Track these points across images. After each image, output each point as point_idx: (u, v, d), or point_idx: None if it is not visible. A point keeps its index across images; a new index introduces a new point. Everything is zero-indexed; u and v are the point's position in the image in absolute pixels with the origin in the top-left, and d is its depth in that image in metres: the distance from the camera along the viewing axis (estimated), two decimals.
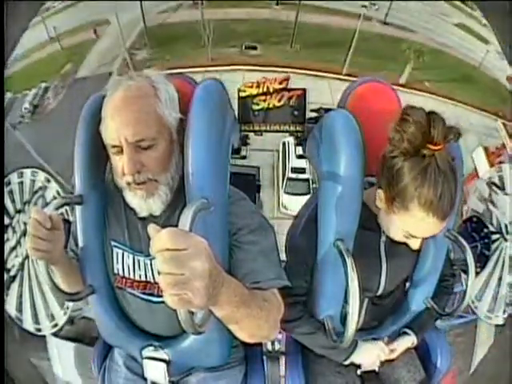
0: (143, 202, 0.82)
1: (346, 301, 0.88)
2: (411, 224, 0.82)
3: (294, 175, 9.88)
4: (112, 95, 0.80)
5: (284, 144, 10.95)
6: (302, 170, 9.66)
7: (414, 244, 0.87)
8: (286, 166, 10.41)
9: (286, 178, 10.15)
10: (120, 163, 0.80)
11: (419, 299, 1.03)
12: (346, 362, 1.02)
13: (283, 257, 1.05)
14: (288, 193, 9.64)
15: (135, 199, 0.82)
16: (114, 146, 0.79)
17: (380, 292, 1.00)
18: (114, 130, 0.78)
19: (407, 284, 1.06)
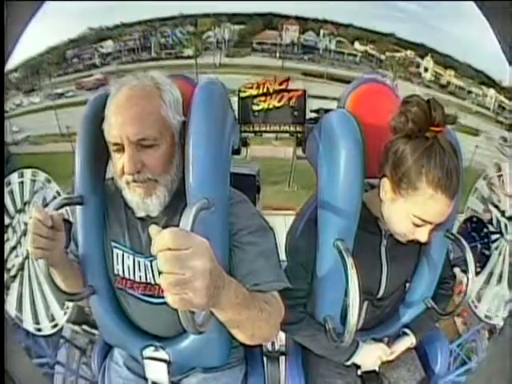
0: (141, 201, 0.82)
1: (346, 301, 0.88)
2: (420, 205, 0.81)
3: None
4: (116, 94, 0.81)
5: None
6: None
7: (423, 235, 0.85)
8: None
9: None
10: (120, 162, 0.80)
11: (419, 300, 1.03)
12: (348, 363, 1.02)
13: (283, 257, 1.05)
14: None
15: (134, 198, 0.82)
16: (115, 144, 0.79)
17: (380, 295, 1.00)
18: (116, 128, 0.78)
19: (407, 285, 1.06)
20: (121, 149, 0.79)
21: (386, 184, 0.86)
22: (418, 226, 0.85)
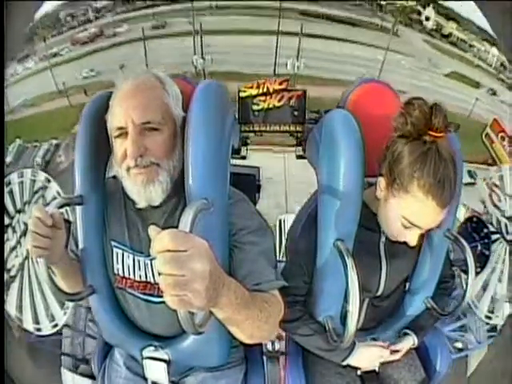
0: (142, 190, 0.82)
1: (345, 301, 0.88)
2: (410, 207, 0.82)
3: None
4: (121, 86, 0.83)
5: (280, 221, 11.15)
6: None
7: (412, 238, 0.86)
8: (282, 243, 10.35)
9: (281, 253, 10.09)
10: (122, 147, 0.80)
11: (419, 300, 1.03)
12: (344, 363, 1.02)
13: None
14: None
15: (135, 186, 0.82)
16: (119, 128, 0.80)
17: (380, 292, 1.00)
18: (121, 113, 0.80)
19: (407, 284, 1.06)
20: (123, 133, 0.80)
21: (381, 183, 0.87)
22: (406, 227, 0.85)
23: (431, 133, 0.78)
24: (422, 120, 0.78)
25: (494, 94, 16.20)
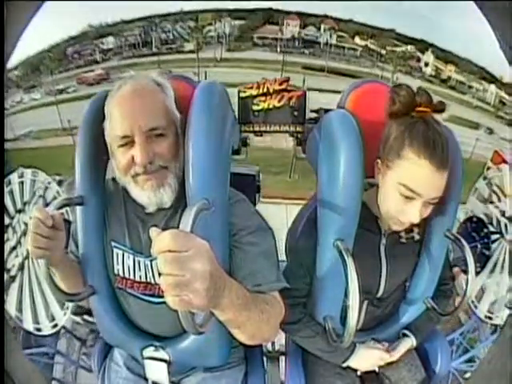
0: (153, 194, 0.82)
1: (345, 301, 0.88)
2: (405, 172, 0.82)
3: None
4: (118, 91, 0.82)
5: None
6: None
7: (414, 212, 0.84)
8: None
9: None
10: (126, 156, 0.80)
11: (419, 301, 1.03)
12: (344, 365, 1.02)
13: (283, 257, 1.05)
14: None
15: (144, 193, 0.82)
16: (123, 137, 0.79)
17: (380, 294, 1.00)
18: (124, 120, 0.79)
19: (407, 285, 1.06)
20: (129, 142, 0.79)
21: (378, 164, 0.88)
22: (407, 197, 0.83)
23: (418, 109, 0.82)
24: (408, 98, 0.83)
25: (492, 132, 16.37)
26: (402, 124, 0.83)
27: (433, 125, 0.82)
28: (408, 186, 0.82)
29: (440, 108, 0.83)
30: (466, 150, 15.52)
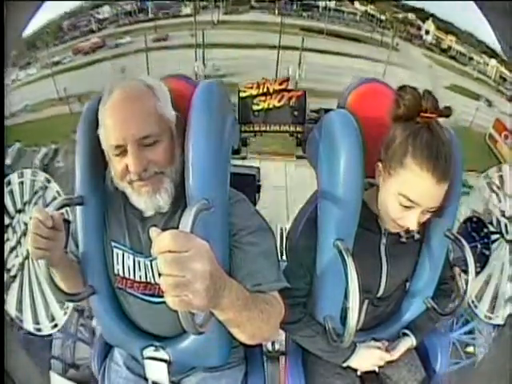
0: (149, 200, 0.82)
1: (346, 301, 0.88)
2: (406, 183, 0.82)
3: None
4: (109, 98, 0.80)
5: (282, 230, 11.27)
6: None
7: (412, 221, 0.84)
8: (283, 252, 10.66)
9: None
10: (121, 164, 0.79)
11: (419, 300, 1.03)
12: (344, 365, 1.02)
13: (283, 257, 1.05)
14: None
15: (141, 198, 0.82)
16: (117, 147, 0.79)
17: (380, 293, 1.00)
18: (116, 129, 0.78)
19: (407, 285, 1.06)
20: (123, 150, 0.78)
21: (379, 166, 0.88)
22: (406, 207, 0.83)
23: (423, 114, 0.80)
24: (413, 102, 0.81)
25: (491, 105, 16.31)
26: (407, 129, 0.82)
27: (437, 132, 0.80)
28: (408, 197, 0.82)
29: (446, 114, 0.81)
30: (466, 119, 15.34)
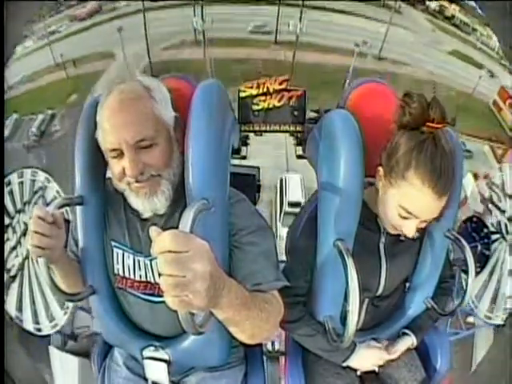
0: (146, 202, 0.82)
1: (345, 301, 0.88)
2: (407, 196, 0.81)
3: (290, 209, 10.36)
4: (106, 100, 0.80)
5: (281, 180, 11.53)
6: (299, 204, 9.93)
7: (409, 229, 0.85)
8: (284, 201, 11.03)
9: (283, 212, 10.69)
10: (119, 166, 0.79)
11: (419, 300, 1.03)
12: (344, 364, 1.02)
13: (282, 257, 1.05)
14: (286, 226, 9.87)
15: (138, 199, 0.82)
16: (113, 150, 0.79)
17: (380, 292, 1.00)
18: (112, 133, 0.78)
19: (407, 284, 1.06)
20: (120, 154, 0.78)
21: (380, 172, 0.87)
22: (404, 218, 0.84)
23: (429, 124, 0.79)
24: (420, 111, 0.79)
25: (493, 76, 16.13)
26: (412, 140, 0.80)
27: (441, 143, 0.79)
28: (407, 210, 0.82)
29: (452, 124, 0.81)
30: (469, 86, 15.32)
